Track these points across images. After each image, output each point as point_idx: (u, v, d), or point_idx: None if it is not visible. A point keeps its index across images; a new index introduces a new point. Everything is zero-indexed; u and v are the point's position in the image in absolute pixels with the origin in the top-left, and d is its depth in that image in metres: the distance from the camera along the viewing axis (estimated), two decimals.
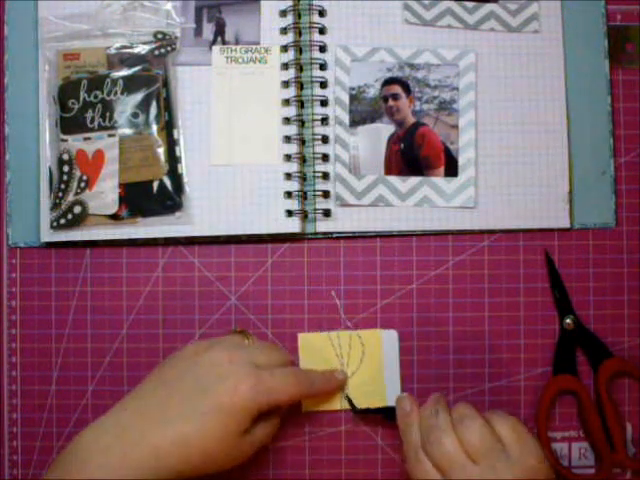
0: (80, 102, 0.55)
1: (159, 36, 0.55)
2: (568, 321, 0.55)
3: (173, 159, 0.55)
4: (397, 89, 0.56)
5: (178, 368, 0.48)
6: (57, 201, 0.54)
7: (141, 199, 0.54)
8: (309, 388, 0.51)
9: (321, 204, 0.55)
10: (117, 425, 0.46)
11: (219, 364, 0.47)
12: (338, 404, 0.54)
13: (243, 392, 0.46)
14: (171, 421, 0.45)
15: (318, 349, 0.55)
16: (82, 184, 0.54)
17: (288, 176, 0.55)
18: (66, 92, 0.55)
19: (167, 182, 0.55)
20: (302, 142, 0.55)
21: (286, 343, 0.55)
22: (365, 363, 0.55)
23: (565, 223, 0.56)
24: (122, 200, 0.54)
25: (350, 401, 0.54)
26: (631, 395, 0.56)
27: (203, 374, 0.47)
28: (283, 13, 0.56)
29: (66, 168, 0.54)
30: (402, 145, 0.56)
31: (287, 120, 0.55)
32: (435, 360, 0.55)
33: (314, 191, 0.55)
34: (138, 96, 0.55)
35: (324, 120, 0.56)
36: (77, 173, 0.54)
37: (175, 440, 0.45)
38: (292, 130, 0.55)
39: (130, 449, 0.44)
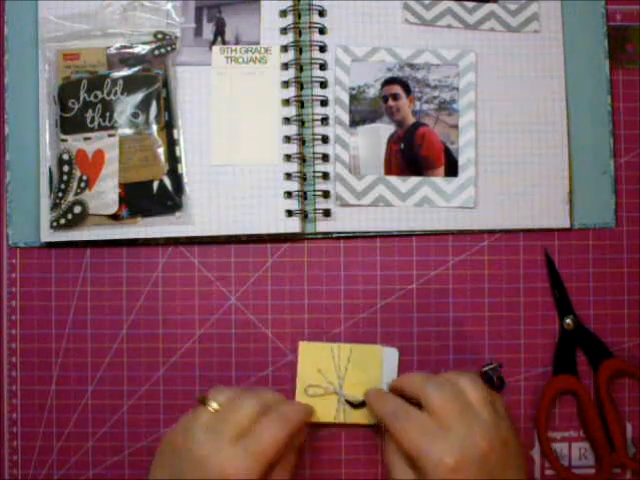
0: (80, 102, 0.55)
1: (159, 36, 0.55)
2: (568, 321, 0.55)
3: (173, 159, 0.55)
4: (397, 89, 0.56)
5: (167, 467, 0.46)
6: (57, 201, 0.54)
7: (141, 199, 0.54)
8: (290, 427, 0.46)
9: (321, 204, 0.55)
10: None
11: (201, 455, 0.44)
12: (332, 415, 0.54)
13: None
14: None
15: (317, 359, 0.54)
16: (82, 184, 0.54)
17: (288, 176, 0.55)
18: (66, 92, 0.55)
19: (167, 182, 0.55)
20: (302, 142, 0.55)
21: (286, 344, 0.55)
22: (363, 378, 0.54)
23: (565, 223, 0.56)
24: (122, 200, 0.54)
25: (347, 401, 0.54)
26: (631, 395, 0.56)
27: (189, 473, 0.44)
28: (283, 13, 0.56)
29: (66, 168, 0.54)
30: (402, 145, 0.56)
31: (287, 120, 0.55)
32: (435, 360, 0.55)
33: (314, 191, 0.55)
34: (138, 96, 0.55)
35: (324, 120, 0.56)
36: (77, 173, 0.54)
37: None
38: (292, 130, 0.55)
39: None
